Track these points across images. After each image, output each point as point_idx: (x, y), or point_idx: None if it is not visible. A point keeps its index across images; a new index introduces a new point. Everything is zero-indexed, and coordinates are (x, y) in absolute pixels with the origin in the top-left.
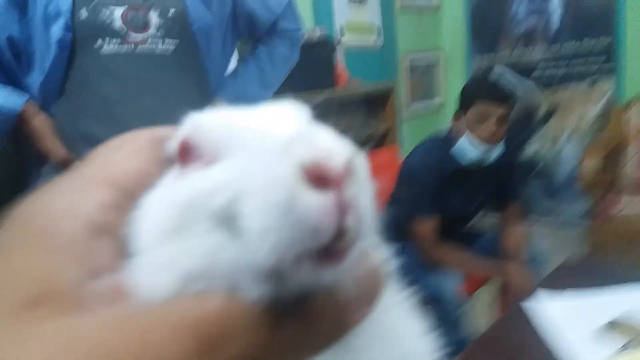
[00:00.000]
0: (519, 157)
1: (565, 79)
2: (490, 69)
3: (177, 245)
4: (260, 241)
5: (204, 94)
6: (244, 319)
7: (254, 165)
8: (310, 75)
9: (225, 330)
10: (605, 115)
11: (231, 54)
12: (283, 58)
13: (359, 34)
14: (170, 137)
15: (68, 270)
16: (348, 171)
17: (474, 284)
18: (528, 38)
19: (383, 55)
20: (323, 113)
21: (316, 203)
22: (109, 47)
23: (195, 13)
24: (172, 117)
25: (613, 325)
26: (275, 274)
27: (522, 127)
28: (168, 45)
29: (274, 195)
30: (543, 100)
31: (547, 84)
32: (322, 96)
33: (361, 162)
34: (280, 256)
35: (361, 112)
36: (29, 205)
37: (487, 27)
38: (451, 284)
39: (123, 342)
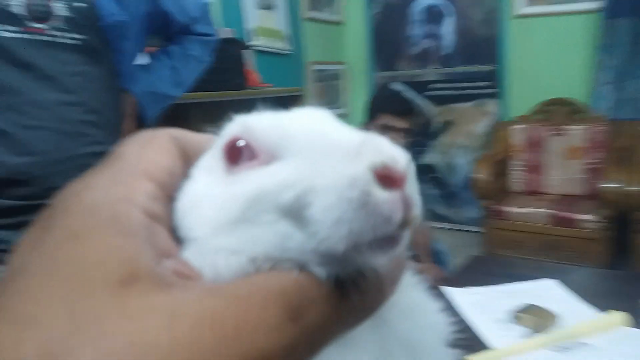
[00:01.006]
0: (416, 166)
1: (455, 99)
2: (390, 84)
3: (243, 233)
4: (333, 230)
5: (114, 87)
6: (318, 290)
7: (326, 165)
8: (220, 75)
9: (304, 300)
10: (491, 132)
11: (141, 49)
12: (196, 60)
13: (268, 39)
14: (185, 138)
15: (145, 252)
16: (407, 172)
17: None
18: (423, 59)
19: (291, 61)
20: (237, 112)
21: (387, 199)
22: (5, 32)
23: (106, 9)
24: (77, 111)
25: (515, 316)
26: (341, 258)
27: (419, 139)
28: (73, 40)
29: (349, 191)
30: (436, 116)
31: (439, 102)
32: (234, 95)
33: (411, 165)
34: (353, 243)
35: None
36: (81, 194)
37: (386, 46)
38: None
39: (224, 311)
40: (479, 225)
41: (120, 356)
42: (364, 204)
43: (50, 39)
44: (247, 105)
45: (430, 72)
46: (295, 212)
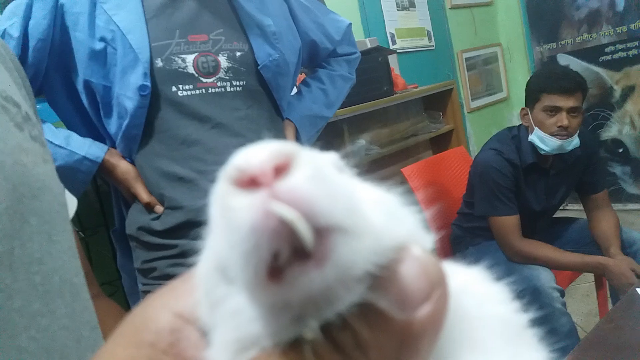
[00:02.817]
0: (597, 143)
1: (636, 60)
2: (553, 58)
3: (216, 320)
4: (236, 265)
5: (275, 122)
6: None
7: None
8: (367, 86)
9: None
10: None
11: (295, 81)
12: (343, 79)
13: (410, 39)
14: None
15: None
16: (279, 164)
17: (567, 277)
18: (591, 22)
19: (437, 56)
20: (383, 120)
21: (243, 203)
22: (183, 92)
23: (261, 52)
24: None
25: None
26: (275, 302)
27: (595, 113)
28: (236, 87)
29: (220, 218)
30: (615, 84)
31: (618, 66)
32: (382, 103)
33: (306, 154)
34: (253, 275)
35: (423, 115)
36: (141, 304)
37: (545, 16)
38: (548, 274)
39: None
40: None
41: None
42: (227, 220)
43: (218, 90)
44: (396, 111)
45: (603, 35)
46: (225, 273)
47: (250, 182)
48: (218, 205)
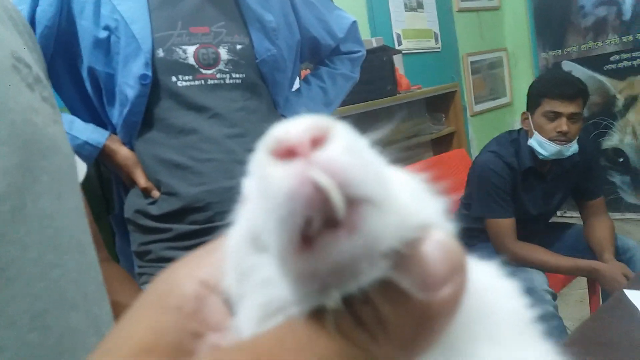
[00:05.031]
0: (597, 151)
1: None
2: (558, 65)
3: (244, 290)
4: (270, 233)
5: (273, 115)
6: (288, 334)
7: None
8: (371, 84)
9: (272, 347)
10: None
11: (295, 77)
12: (344, 78)
13: (417, 41)
14: None
15: (174, 328)
16: (316, 137)
17: (560, 281)
18: (598, 30)
19: (443, 58)
20: (386, 119)
21: (281, 172)
22: (182, 82)
23: (260, 47)
24: (242, 142)
25: None
26: (304, 270)
27: (597, 121)
28: (235, 80)
29: (255, 185)
30: (618, 93)
31: (622, 75)
32: (385, 103)
33: (342, 128)
34: (287, 241)
35: (425, 116)
36: (166, 271)
37: (552, 23)
38: (541, 277)
39: None
40: None
41: None
42: (265, 188)
43: (217, 81)
44: (399, 112)
45: (609, 43)
46: (257, 242)
47: (288, 153)
48: (256, 174)
